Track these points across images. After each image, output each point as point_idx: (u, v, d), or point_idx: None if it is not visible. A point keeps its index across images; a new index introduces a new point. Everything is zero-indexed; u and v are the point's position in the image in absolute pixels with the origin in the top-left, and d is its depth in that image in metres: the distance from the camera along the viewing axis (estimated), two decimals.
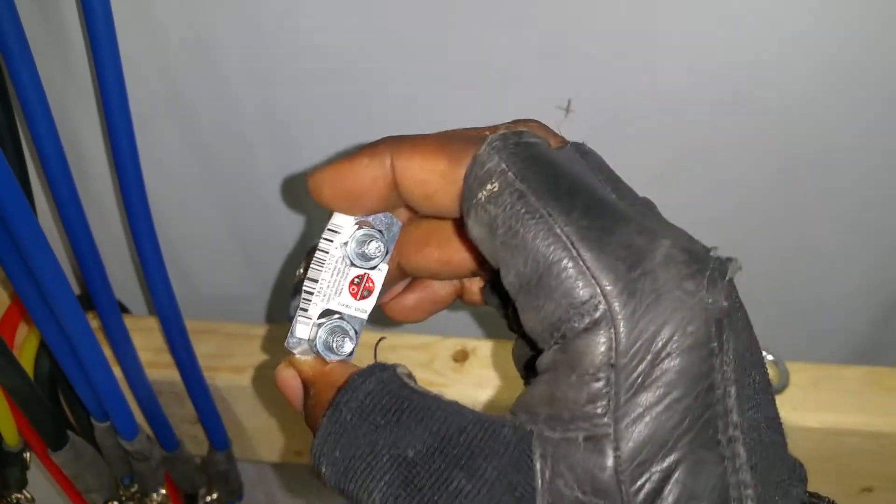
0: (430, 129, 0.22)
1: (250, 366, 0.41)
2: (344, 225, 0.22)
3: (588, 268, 0.17)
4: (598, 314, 0.17)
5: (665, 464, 0.17)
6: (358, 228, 0.22)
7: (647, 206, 0.21)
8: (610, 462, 0.17)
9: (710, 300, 0.18)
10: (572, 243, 0.18)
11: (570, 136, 0.22)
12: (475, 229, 0.19)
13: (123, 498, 0.43)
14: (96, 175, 0.41)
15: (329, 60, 0.35)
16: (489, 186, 0.19)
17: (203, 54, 0.35)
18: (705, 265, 0.18)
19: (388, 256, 0.22)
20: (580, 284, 0.17)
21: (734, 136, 0.37)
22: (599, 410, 0.17)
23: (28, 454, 0.46)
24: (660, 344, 0.17)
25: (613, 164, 0.22)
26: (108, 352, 0.38)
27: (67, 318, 0.31)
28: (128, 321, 0.39)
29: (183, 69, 0.36)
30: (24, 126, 0.32)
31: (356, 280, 0.22)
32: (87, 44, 0.34)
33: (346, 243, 0.22)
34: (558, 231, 0.18)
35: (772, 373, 0.41)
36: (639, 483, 0.17)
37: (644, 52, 0.34)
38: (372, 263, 0.22)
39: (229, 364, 0.41)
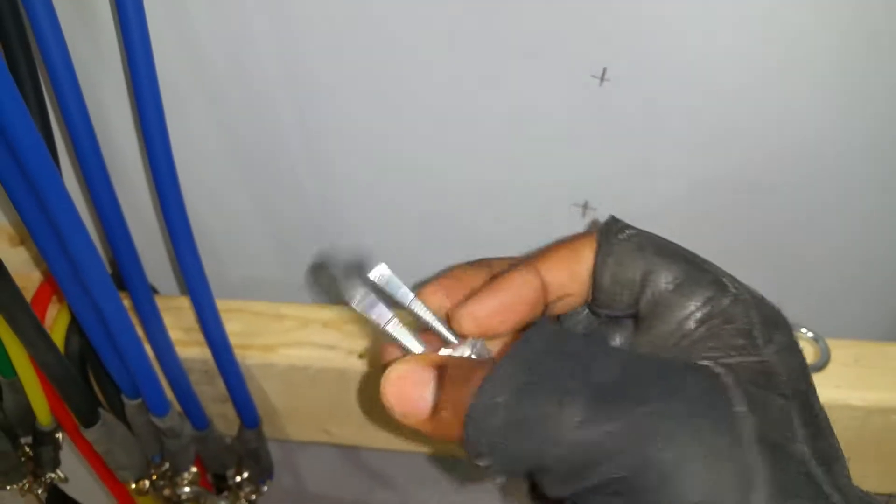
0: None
1: (280, 344, 0.42)
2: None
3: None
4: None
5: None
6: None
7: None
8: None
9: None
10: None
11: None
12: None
13: (154, 476, 0.44)
14: (127, 158, 0.41)
15: (361, 35, 0.35)
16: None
17: (230, 28, 0.35)
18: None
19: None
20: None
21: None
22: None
23: (60, 434, 0.47)
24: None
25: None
26: (139, 331, 0.38)
27: (100, 296, 0.32)
28: (157, 301, 0.40)
29: (211, 44, 0.36)
30: (55, 105, 0.32)
31: None
32: (115, 18, 0.34)
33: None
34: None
35: (812, 350, 0.40)
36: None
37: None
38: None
39: (259, 343, 0.42)
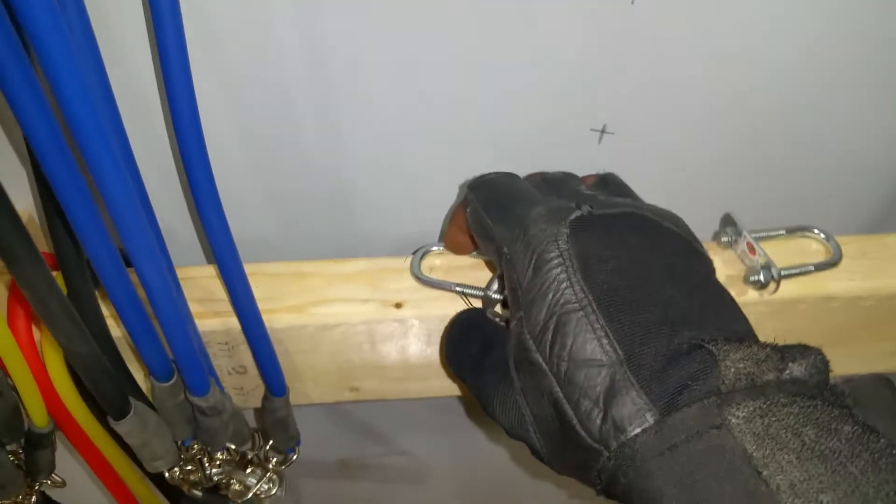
0: None
1: (309, 303, 0.40)
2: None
3: (495, 235, 0.34)
4: (505, 252, 0.32)
5: (552, 320, 0.29)
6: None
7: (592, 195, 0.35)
8: (520, 328, 0.30)
9: (553, 228, 0.30)
10: (489, 226, 0.34)
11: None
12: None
13: (183, 463, 0.42)
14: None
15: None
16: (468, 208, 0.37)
17: None
18: (557, 214, 0.31)
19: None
20: (493, 239, 0.34)
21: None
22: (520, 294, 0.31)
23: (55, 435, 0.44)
24: (531, 254, 0.30)
25: None
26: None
27: (148, 268, 0.29)
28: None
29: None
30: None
31: None
32: None
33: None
34: (488, 221, 0.35)
35: (824, 249, 0.44)
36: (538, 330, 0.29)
37: None
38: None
39: (286, 304, 0.40)
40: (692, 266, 0.31)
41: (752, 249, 0.41)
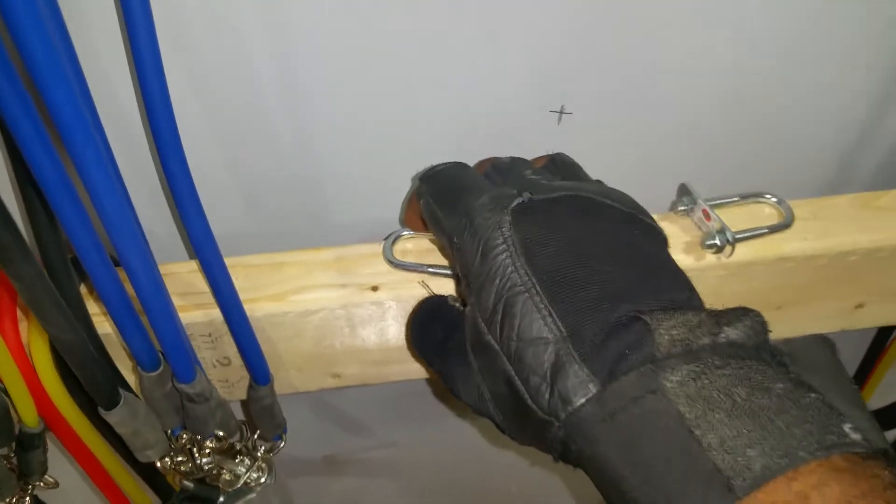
0: None
1: (289, 291, 0.42)
2: None
3: (445, 226, 0.36)
4: (455, 241, 0.35)
5: (500, 303, 0.31)
6: None
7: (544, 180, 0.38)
8: (472, 313, 0.33)
9: (496, 217, 0.33)
10: (441, 217, 0.37)
11: None
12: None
13: (173, 453, 0.43)
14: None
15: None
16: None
17: None
18: (500, 202, 0.34)
19: None
20: (444, 230, 0.36)
21: None
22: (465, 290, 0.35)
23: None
24: (477, 242, 0.33)
25: None
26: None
27: (133, 257, 0.31)
28: None
29: None
30: None
31: None
32: None
33: None
34: (439, 213, 0.37)
35: (777, 213, 0.46)
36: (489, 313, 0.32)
37: None
38: None
39: (267, 294, 0.42)
40: (634, 241, 0.34)
41: (707, 216, 0.43)
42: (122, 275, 0.35)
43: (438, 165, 0.41)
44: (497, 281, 0.31)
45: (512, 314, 0.30)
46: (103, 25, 0.37)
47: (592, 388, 0.28)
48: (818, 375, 0.27)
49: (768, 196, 0.46)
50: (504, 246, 0.32)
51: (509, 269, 0.31)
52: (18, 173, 0.32)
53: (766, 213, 0.46)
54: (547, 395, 0.29)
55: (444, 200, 0.37)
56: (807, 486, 0.23)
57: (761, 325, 0.29)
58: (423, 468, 0.79)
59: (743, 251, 0.44)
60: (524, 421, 0.31)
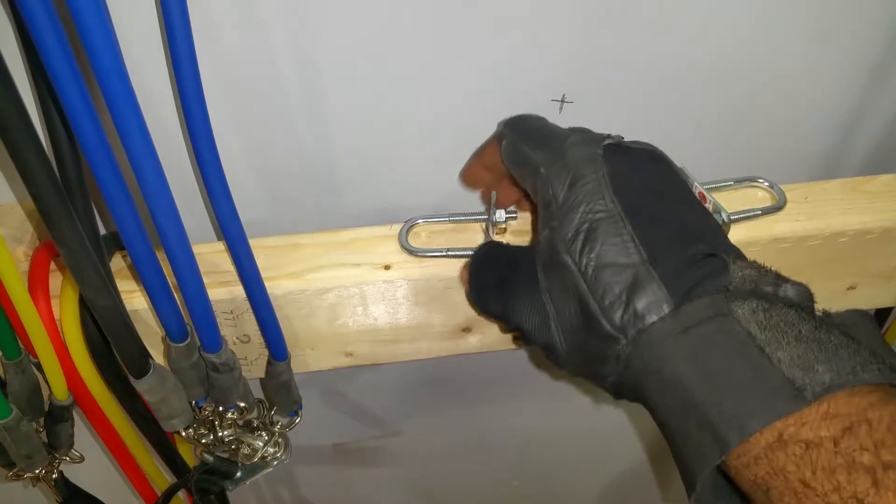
0: None
1: (306, 269, 0.45)
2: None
3: (534, 158, 0.39)
4: (542, 171, 0.38)
5: (584, 226, 0.34)
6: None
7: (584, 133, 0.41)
8: (551, 235, 0.36)
9: (589, 151, 0.37)
10: (528, 152, 0.40)
11: None
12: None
13: (196, 424, 0.46)
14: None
15: None
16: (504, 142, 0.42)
17: None
18: (593, 140, 0.38)
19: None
20: (532, 162, 0.39)
21: None
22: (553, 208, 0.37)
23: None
24: (567, 172, 0.36)
25: None
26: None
27: (169, 230, 0.34)
28: None
29: None
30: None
31: None
32: None
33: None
34: (526, 149, 0.40)
35: (770, 196, 0.49)
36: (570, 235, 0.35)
37: None
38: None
39: (285, 272, 0.45)
40: (695, 196, 0.38)
41: (703, 198, 0.46)
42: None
43: (522, 114, 0.44)
44: (583, 206, 0.35)
45: (594, 238, 0.34)
46: (139, 20, 0.40)
47: (666, 308, 0.31)
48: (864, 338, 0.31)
49: (761, 180, 0.49)
50: (594, 176, 0.35)
51: (597, 196, 0.35)
52: (58, 148, 0.35)
53: (759, 196, 0.49)
54: (620, 312, 0.32)
55: (532, 139, 0.41)
56: (866, 402, 0.26)
57: (811, 295, 0.33)
58: (429, 457, 0.82)
59: (738, 232, 0.47)
60: (588, 339, 0.34)
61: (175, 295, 0.39)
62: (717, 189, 0.49)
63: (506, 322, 0.39)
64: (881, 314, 0.68)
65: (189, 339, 0.41)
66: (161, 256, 0.37)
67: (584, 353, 0.35)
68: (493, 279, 0.40)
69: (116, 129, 0.30)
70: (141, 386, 0.40)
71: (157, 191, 0.33)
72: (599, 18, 0.44)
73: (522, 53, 0.45)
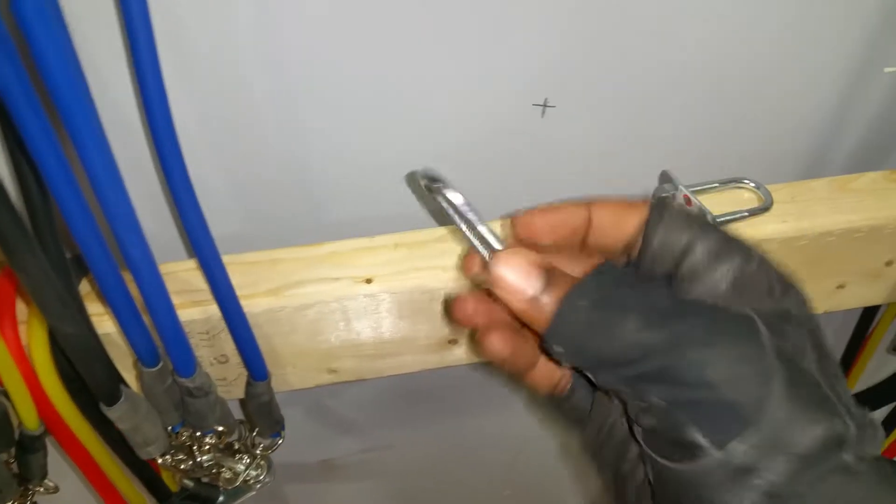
0: None
1: (285, 286, 0.44)
2: None
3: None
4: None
5: None
6: None
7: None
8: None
9: None
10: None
11: None
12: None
13: (173, 450, 0.44)
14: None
15: None
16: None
17: None
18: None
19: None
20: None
21: None
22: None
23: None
24: None
25: None
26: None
27: (136, 255, 0.33)
28: None
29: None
30: None
31: None
32: None
33: None
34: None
35: (756, 197, 0.48)
36: None
37: None
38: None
39: (263, 289, 0.44)
40: None
41: (688, 201, 0.45)
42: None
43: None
44: None
45: None
46: (100, 29, 0.38)
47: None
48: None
49: (747, 181, 0.49)
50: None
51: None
52: (19, 168, 0.34)
53: (745, 197, 0.49)
54: None
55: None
56: None
57: None
58: (419, 470, 0.80)
59: None
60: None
61: (144, 317, 0.38)
62: (703, 191, 0.48)
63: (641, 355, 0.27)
64: (867, 312, 0.68)
65: (161, 364, 0.39)
66: (129, 277, 0.36)
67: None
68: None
69: (70, 139, 0.29)
70: (112, 414, 0.39)
71: (116, 203, 0.31)
72: (585, 23, 0.43)
73: (508, 58, 0.44)
